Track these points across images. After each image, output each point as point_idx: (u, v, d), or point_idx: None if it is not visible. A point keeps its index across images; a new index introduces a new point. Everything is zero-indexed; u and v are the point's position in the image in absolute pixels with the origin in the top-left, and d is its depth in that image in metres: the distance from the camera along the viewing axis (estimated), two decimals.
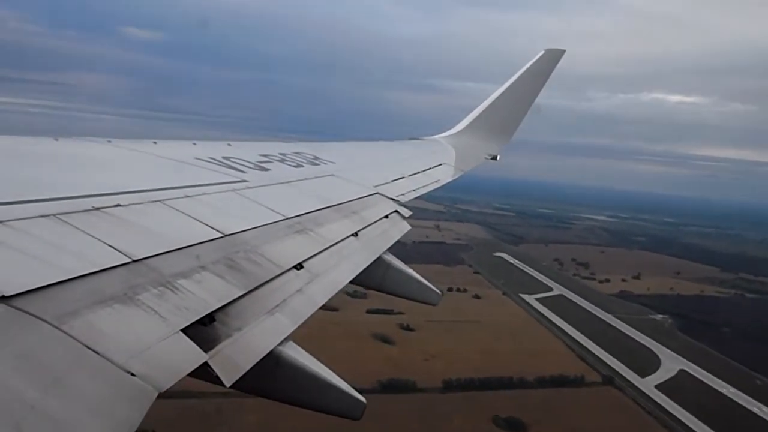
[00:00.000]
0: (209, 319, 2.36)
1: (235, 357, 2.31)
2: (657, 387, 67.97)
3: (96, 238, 2.45)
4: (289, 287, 3.02)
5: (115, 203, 2.88)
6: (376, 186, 5.92)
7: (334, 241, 3.92)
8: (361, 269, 3.93)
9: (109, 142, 4.28)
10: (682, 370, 73.87)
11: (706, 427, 59.26)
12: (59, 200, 2.65)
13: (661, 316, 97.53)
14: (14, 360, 1.62)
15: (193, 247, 2.80)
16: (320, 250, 3.66)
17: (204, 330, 2.29)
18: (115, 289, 2.16)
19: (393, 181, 6.54)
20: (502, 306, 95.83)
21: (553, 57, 12.40)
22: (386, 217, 5.18)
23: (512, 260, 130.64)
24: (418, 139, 11.07)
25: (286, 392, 2.87)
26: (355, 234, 4.32)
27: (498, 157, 11.49)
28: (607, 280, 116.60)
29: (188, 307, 2.31)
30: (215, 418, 50.09)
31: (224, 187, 3.95)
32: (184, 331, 2.17)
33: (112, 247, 2.42)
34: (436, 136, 11.51)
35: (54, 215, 2.49)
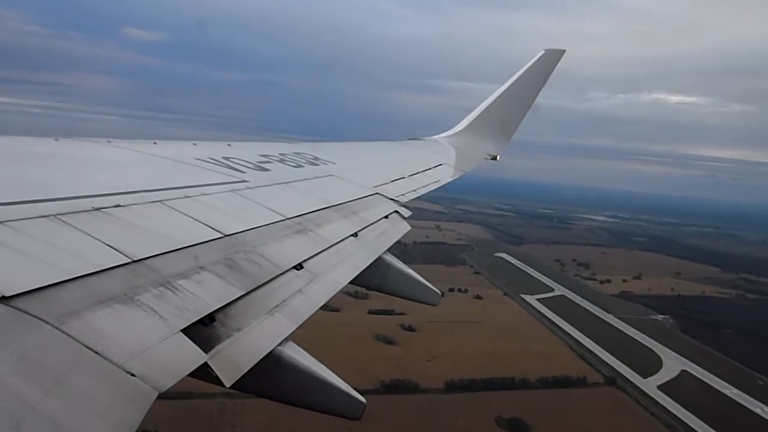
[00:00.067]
0: (209, 319, 2.36)
1: (235, 357, 2.31)
2: (659, 388, 67.88)
3: (96, 238, 2.45)
4: (289, 287, 3.02)
5: (115, 204, 2.88)
6: (376, 186, 5.91)
7: (334, 242, 3.92)
8: (361, 270, 3.93)
9: (109, 142, 4.29)
10: (684, 371, 73.76)
11: (709, 428, 59.15)
12: (59, 200, 2.65)
13: (662, 316, 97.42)
14: (14, 360, 1.62)
15: (193, 247, 2.80)
16: (320, 250, 3.66)
17: (204, 330, 2.29)
18: (115, 290, 2.16)
19: (393, 181, 6.54)
20: (504, 306, 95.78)
21: (552, 57, 12.40)
22: (386, 217, 5.17)
23: (513, 261, 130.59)
24: (418, 139, 11.07)
25: (286, 392, 2.87)
26: (355, 234, 4.32)
27: (498, 158, 11.48)
28: (608, 281, 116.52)
29: (188, 307, 2.31)
30: (218, 419, 50.07)
31: (224, 187, 3.95)
32: (184, 331, 2.17)
33: (112, 247, 2.42)
34: (436, 137, 11.51)
35: (54, 216, 2.49)
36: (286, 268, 3.15)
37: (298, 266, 3.27)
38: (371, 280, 4.53)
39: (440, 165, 8.79)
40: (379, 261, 4.41)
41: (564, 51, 12.50)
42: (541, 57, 12.40)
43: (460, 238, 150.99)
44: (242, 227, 3.33)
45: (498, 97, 12.29)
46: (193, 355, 2.11)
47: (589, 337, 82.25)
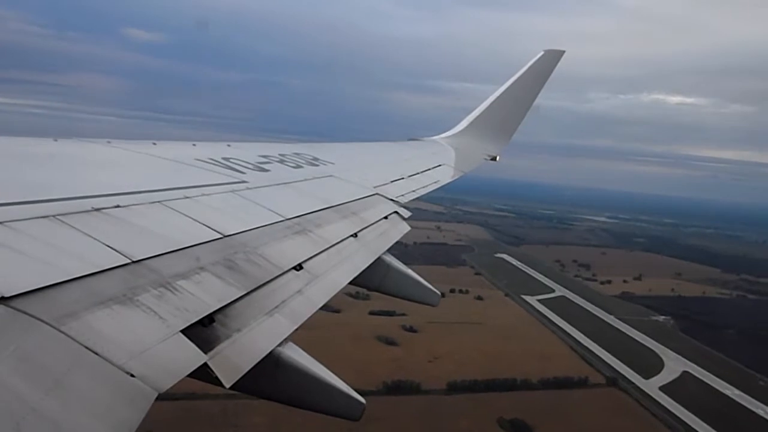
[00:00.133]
0: (209, 320, 2.36)
1: (234, 358, 2.31)
2: (661, 389, 67.78)
3: (95, 239, 2.45)
4: (288, 288, 3.02)
5: (115, 204, 2.88)
6: (375, 187, 5.91)
7: (334, 242, 3.92)
8: (361, 270, 3.93)
9: (109, 143, 4.29)
10: (685, 372, 73.65)
11: (711, 429, 59.03)
12: (59, 201, 2.65)
13: (663, 317, 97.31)
14: (14, 361, 1.62)
15: (192, 248, 2.80)
16: (320, 251, 3.66)
17: (203, 331, 2.29)
18: (114, 290, 2.16)
19: (392, 181, 6.54)
20: (505, 307, 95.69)
21: (552, 58, 12.40)
22: (386, 217, 5.17)
23: (513, 261, 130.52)
24: (417, 139, 11.08)
25: (286, 393, 2.87)
26: (355, 235, 4.32)
27: (498, 158, 11.48)
28: (609, 282, 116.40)
29: (188, 308, 2.31)
30: (218, 420, 50.02)
31: (224, 188, 3.95)
32: (184, 332, 2.17)
33: (111, 248, 2.42)
34: (436, 137, 11.51)
35: (54, 216, 2.49)
36: (286, 269, 3.15)
37: (298, 267, 3.27)
38: (371, 280, 4.53)
39: (440, 165, 8.79)
40: (378, 261, 4.41)
41: (564, 51, 12.51)
42: (540, 57, 12.41)
43: (461, 239, 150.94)
44: (242, 228, 3.33)
45: (498, 98, 12.30)
46: (192, 356, 2.11)
47: (590, 338, 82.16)
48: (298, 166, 5.58)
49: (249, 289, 2.73)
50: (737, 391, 68.09)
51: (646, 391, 67.00)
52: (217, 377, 2.19)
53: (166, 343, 2.06)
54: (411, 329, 78.12)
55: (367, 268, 4.07)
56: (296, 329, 2.79)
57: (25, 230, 2.30)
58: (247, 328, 2.50)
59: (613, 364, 73.56)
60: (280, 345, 2.69)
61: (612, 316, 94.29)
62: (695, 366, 75.05)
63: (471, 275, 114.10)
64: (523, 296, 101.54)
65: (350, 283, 3.74)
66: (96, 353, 1.81)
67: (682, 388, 68.01)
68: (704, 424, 59.87)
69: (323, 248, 3.72)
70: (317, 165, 5.98)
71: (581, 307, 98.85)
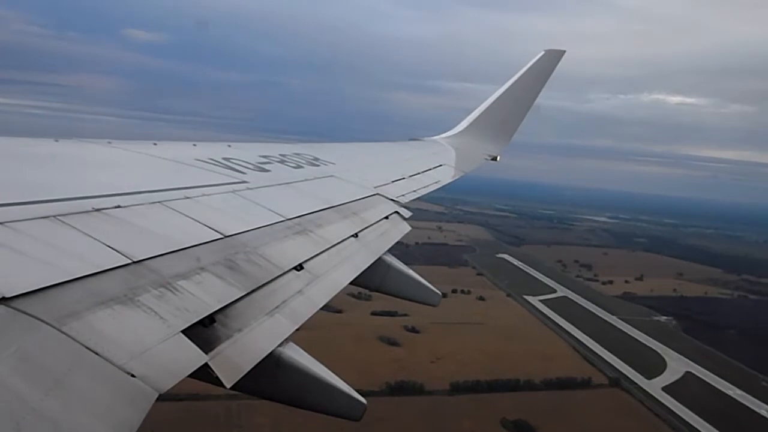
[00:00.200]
0: (209, 320, 2.36)
1: (235, 358, 2.30)
2: (664, 389, 67.65)
3: (96, 239, 2.45)
4: (289, 288, 3.02)
5: (116, 204, 2.88)
6: (376, 187, 5.91)
7: (334, 242, 3.92)
8: (362, 270, 3.93)
9: (109, 143, 4.29)
10: (688, 372, 73.50)
11: (714, 430, 58.89)
12: (59, 201, 2.66)
13: (665, 317, 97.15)
14: (15, 361, 1.62)
15: (193, 248, 2.80)
16: (320, 251, 3.66)
17: (204, 331, 2.29)
18: (115, 291, 2.16)
19: (393, 181, 6.54)
20: (507, 308, 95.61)
21: (552, 58, 12.39)
22: (386, 218, 5.17)
23: (515, 261, 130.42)
24: (418, 140, 11.08)
25: (287, 393, 2.87)
26: (355, 235, 4.32)
27: (498, 158, 11.48)
28: (610, 282, 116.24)
29: (188, 308, 2.31)
30: (217, 421, 50.03)
31: (224, 188, 3.96)
32: (185, 332, 2.17)
33: (112, 248, 2.42)
34: (436, 137, 11.51)
35: (54, 216, 2.50)
36: (287, 269, 3.15)
37: (299, 267, 3.27)
38: (371, 280, 4.53)
39: (440, 165, 8.79)
40: (379, 261, 4.41)
41: (564, 51, 12.50)
42: (541, 57, 12.40)
43: (462, 239, 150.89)
44: (242, 228, 3.33)
45: (498, 98, 12.29)
46: (193, 356, 2.11)
47: (592, 339, 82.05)
48: (299, 167, 5.58)
49: (249, 290, 2.73)
50: (740, 392, 67.94)
51: (649, 391, 66.88)
52: (217, 377, 2.19)
53: (166, 344, 2.06)
54: (413, 330, 78.08)
55: (368, 268, 4.07)
56: (297, 329, 2.79)
57: (26, 231, 2.30)
58: (248, 328, 2.50)
59: (615, 365, 73.45)
60: (280, 345, 2.68)
61: (614, 317, 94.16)
62: (698, 366, 74.90)
63: (473, 275, 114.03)
64: (525, 297, 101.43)
65: (351, 283, 3.74)
66: (97, 353, 1.81)
67: (684, 389, 67.88)
68: (707, 425, 59.73)
69: (324, 248, 3.72)
70: (318, 165, 5.98)
71: (583, 307, 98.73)
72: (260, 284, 2.84)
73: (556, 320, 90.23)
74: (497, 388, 63.24)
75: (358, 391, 3.06)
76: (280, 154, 5.78)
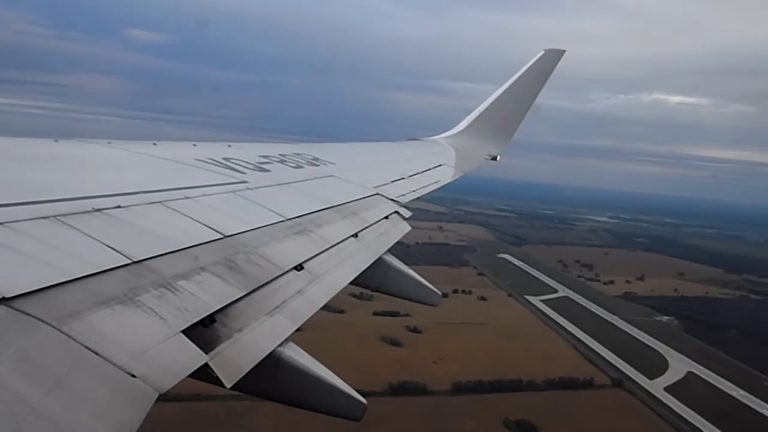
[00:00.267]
0: (209, 320, 2.36)
1: (235, 358, 2.31)
2: (666, 389, 67.53)
3: (96, 239, 2.45)
4: (289, 288, 3.02)
5: (116, 204, 2.89)
6: (376, 187, 5.91)
7: (334, 242, 3.92)
8: (362, 270, 3.93)
9: (109, 143, 4.30)
10: (690, 372, 73.37)
11: (716, 430, 58.77)
12: (59, 201, 2.66)
13: (666, 317, 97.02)
14: (15, 361, 1.62)
15: (193, 248, 2.80)
16: (320, 251, 3.66)
17: (204, 331, 2.29)
18: (115, 291, 2.16)
19: (393, 181, 6.54)
20: (508, 308, 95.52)
21: (552, 57, 12.39)
22: (386, 217, 5.17)
23: (516, 262, 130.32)
24: (418, 139, 11.08)
25: (287, 393, 2.87)
26: (355, 235, 4.32)
27: (498, 158, 11.48)
28: (612, 282, 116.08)
29: (188, 308, 2.32)
30: (217, 421, 50.04)
31: (224, 188, 3.96)
32: (185, 332, 2.17)
33: (112, 248, 2.42)
34: (436, 137, 11.51)
35: (54, 217, 2.50)
36: (287, 269, 3.15)
37: (299, 267, 3.27)
38: (371, 280, 4.53)
39: (440, 165, 8.79)
40: (379, 261, 4.40)
41: (564, 51, 12.49)
42: (541, 57, 12.39)
43: (462, 239, 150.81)
44: (242, 228, 3.33)
45: (498, 98, 12.28)
46: (193, 356, 2.11)
47: (594, 339, 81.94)
48: (299, 167, 5.59)
49: (250, 290, 2.73)
50: (742, 392, 67.81)
51: (652, 391, 66.76)
52: (218, 377, 2.19)
53: (166, 344, 2.06)
54: (415, 330, 78.03)
55: (368, 268, 4.07)
56: (297, 329, 2.79)
57: (26, 231, 2.30)
58: (248, 328, 2.51)
59: (617, 365, 73.33)
60: (280, 345, 2.68)
61: (616, 317, 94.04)
62: (700, 366, 74.76)
63: (474, 276, 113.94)
64: (527, 297, 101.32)
65: (351, 283, 3.74)
66: (97, 353, 1.81)
67: (687, 389, 67.74)
68: (710, 425, 59.61)
69: (324, 248, 3.72)
70: (318, 165, 5.99)
71: (585, 307, 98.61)
72: (260, 284, 2.84)
73: (557, 320, 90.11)
74: (499, 389, 63.15)
75: (359, 391, 3.06)
76: (280, 154, 5.79)
